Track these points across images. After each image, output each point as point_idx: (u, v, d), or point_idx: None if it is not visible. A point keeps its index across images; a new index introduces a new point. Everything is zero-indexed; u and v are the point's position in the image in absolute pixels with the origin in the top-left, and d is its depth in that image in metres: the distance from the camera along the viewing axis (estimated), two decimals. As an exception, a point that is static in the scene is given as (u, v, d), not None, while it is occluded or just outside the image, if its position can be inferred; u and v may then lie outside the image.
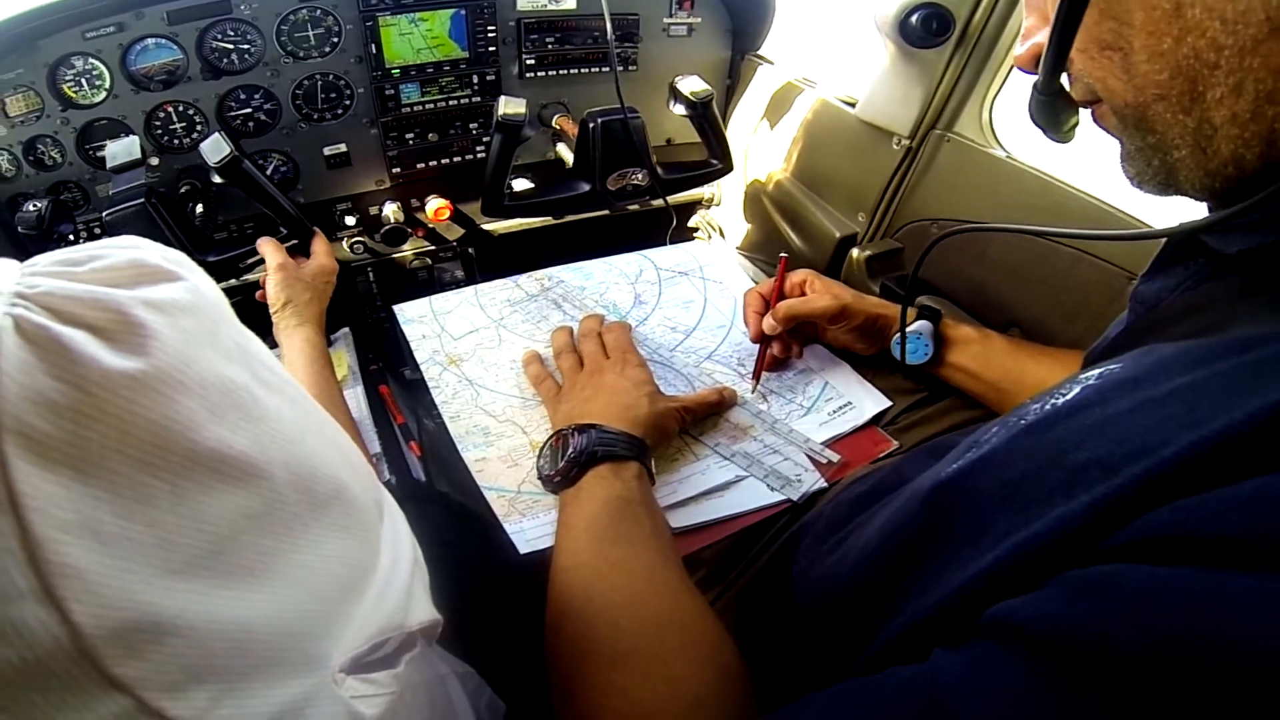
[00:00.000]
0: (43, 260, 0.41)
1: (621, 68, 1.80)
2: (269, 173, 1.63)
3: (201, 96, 1.50)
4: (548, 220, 1.87)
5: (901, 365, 1.23)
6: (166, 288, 0.43)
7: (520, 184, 1.74)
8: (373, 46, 1.56)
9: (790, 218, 1.88)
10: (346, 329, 1.77)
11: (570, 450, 1.02)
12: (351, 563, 0.53)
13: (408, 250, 1.90)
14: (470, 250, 1.96)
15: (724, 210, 2.20)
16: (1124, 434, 0.50)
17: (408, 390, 1.80)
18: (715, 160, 1.74)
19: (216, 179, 1.38)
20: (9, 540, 0.33)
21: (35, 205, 1.39)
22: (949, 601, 0.56)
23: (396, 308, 1.43)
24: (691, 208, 2.23)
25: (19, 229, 1.38)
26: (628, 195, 1.67)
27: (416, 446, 1.61)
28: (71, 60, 1.39)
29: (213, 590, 0.40)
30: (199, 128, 1.53)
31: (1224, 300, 0.63)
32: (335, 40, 1.55)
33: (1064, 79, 0.66)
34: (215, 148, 1.33)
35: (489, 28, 1.64)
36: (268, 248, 1.43)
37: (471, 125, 1.77)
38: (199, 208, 1.52)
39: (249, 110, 1.56)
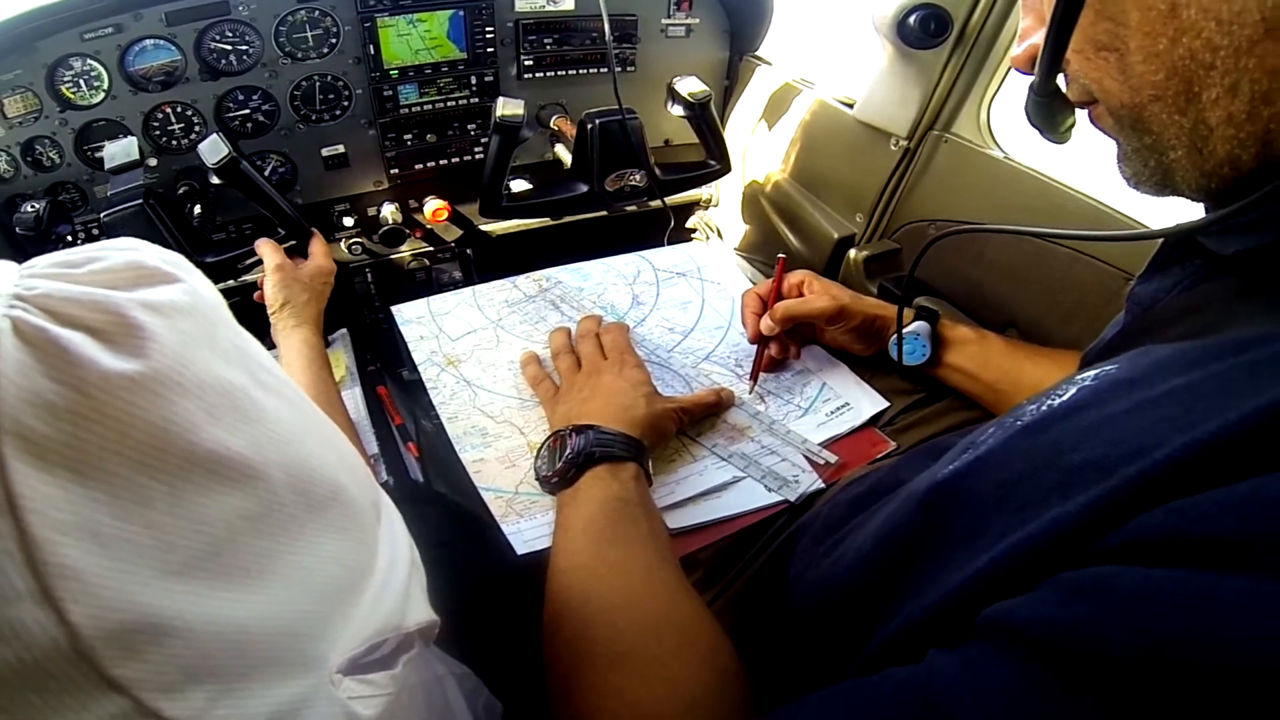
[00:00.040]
0: (41, 262, 0.41)
1: (620, 69, 1.80)
2: (267, 174, 1.63)
3: (200, 97, 1.50)
4: (546, 221, 1.86)
5: (899, 366, 1.23)
6: (165, 290, 0.43)
7: (518, 185, 1.74)
8: (371, 47, 1.56)
9: (788, 218, 1.88)
10: (344, 330, 1.77)
11: (568, 451, 1.02)
12: (349, 564, 0.54)
13: (406, 251, 1.90)
14: (468, 251, 1.96)
15: (722, 211, 2.20)
16: (1119, 435, 0.50)
17: (405, 391, 1.80)
18: (713, 161, 1.74)
19: (215, 180, 1.37)
20: (7, 542, 0.33)
21: (33, 206, 1.39)
22: (945, 602, 0.56)
23: (394, 308, 1.43)
24: (689, 209, 2.23)
25: (17, 230, 1.38)
26: (625, 196, 1.67)
27: (414, 447, 1.61)
28: (70, 61, 1.38)
29: (210, 591, 0.40)
30: (197, 129, 1.53)
31: (1220, 301, 0.63)
32: (333, 41, 1.55)
33: (1060, 80, 0.66)
34: (213, 149, 1.33)
35: (487, 29, 1.64)
36: (266, 248, 1.43)
37: (470, 126, 1.77)
38: (197, 209, 1.51)
39: (247, 111, 1.55)
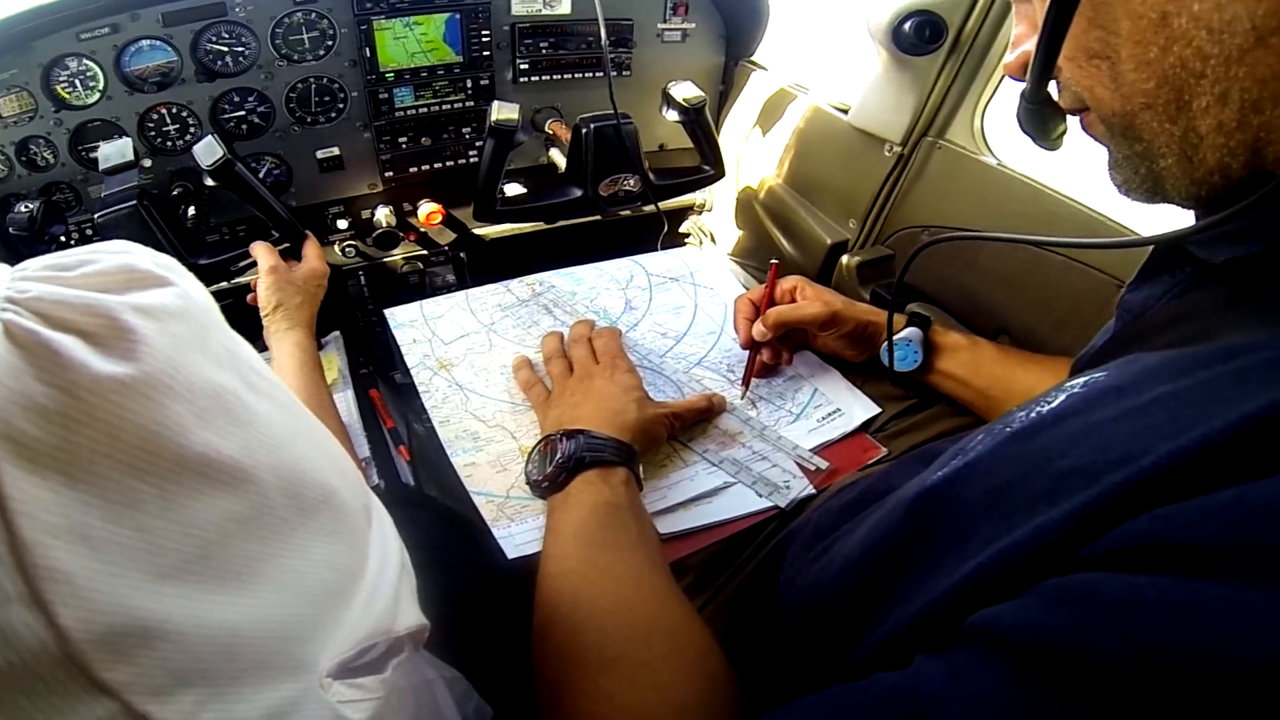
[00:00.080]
0: (33, 265, 0.41)
1: (615, 73, 1.79)
2: (262, 176, 1.63)
3: (195, 99, 1.50)
4: (539, 225, 1.86)
5: (891, 372, 1.23)
6: (156, 293, 0.43)
7: (512, 189, 1.74)
8: (367, 50, 1.56)
9: (782, 224, 1.88)
10: (337, 333, 1.77)
11: (558, 455, 1.02)
12: (339, 567, 0.54)
13: (399, 254, 1.90)
14: (462, 255, 1.96)
15: (716, 216, 2.20)
16: (1106, 442, 0.50)
17: (398, 394, 1.80)
18: (707, 166, 1.74)
19: (209, 181, 1.37)
20: None
21: (27, 206, 1.39)
22: (932, 608, 0.56)
23: (387, 312, 1.43)
24: (683, 213, 2.23)
25: (10, 230, 1.38)
26: (619, 201, 1.67)
27: (406, 451, 1.61)
28: (65, 61, 1.38)
29: (200, 595, 0.40)
30: (192, 130, 1.53)
31: (1210, 309, 0.63)
32: (329, 44, 1.55)
33: (1052, 87, 0.66)
34: (208, 150, 1.33)
35: (483, 32, 1.64)
36: (260, 250, 1.43)
37: (464, 130, 1.77)
38: (191, 210, 1.52)
39: (242, 113, 1.55)
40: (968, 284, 1.47)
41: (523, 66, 1.73)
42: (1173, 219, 0.65)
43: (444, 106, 1.71)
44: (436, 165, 1.79)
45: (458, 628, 0.81)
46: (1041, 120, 0.70)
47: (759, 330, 1.28)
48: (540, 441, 1.08)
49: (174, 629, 0.38)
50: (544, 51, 1.74)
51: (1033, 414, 0.60)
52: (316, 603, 0.50)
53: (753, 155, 1.99)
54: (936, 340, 1.25)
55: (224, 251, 1.48)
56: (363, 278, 1.89)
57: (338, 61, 1.57)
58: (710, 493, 1.14)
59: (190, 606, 0.40)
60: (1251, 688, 0.36)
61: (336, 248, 1.79)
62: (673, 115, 1.67)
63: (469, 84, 1.70)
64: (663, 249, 1.67)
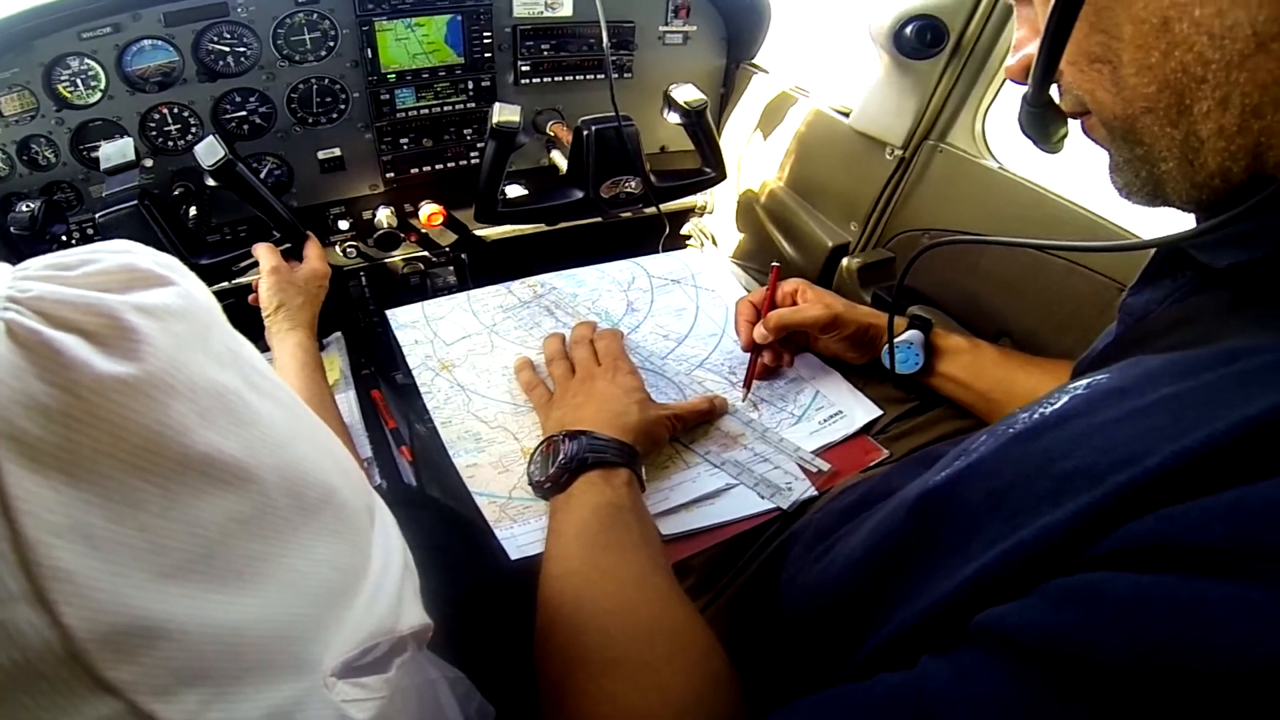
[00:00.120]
0: (34, 264, 0.41)
1: (616, 75, 1.80)
2: (263, 176, 1.63)
3: (197, 99, 1.50)
4: (541, 227, 1.86)
5: (892, 374, 1.23)
6: (158, 293, 0.43)
7: (514, 190, 1.74)
8: (368, 51, 1.56)
9: (783, 226, 1.88)
10: (339, 333, 1.77)
11: (561, 456, 1.02)
12: (342, 567, 0.54)
13: (400, 255, 1.90)
14: (463, 256, 1.96)
15: (717, 218, 2.20)
16: (1110, 443, 0.50)
17: (400, 395, 1.80)
18: (709, 168, 1.74)
19: (210, 182, 1.37)
20: (0, 543, 0.33)
21: (28, 205, 1.39)
22: (936, 608, 0.56)
23: (389, 313, 1.43)
24: (684, 216, 2.23)
25: (11, 229, 1.38)
26: (621, 203, 1.67)
27: (408, 451, 1.61)
28: (67, 60, 1.38)
29: (203, 594, 0.40)
30: (194, 130, 1.53)
31: (1212, 313, 0.63)
32: (331, 44, 1.55)
33: (1054, 91, 0.66)
34: (210, 150, 1.33)
35: (485, 34, 1.64)
36: (262, 251, 1.43)
37: (466, 131, 1.77)
38: (192, 210, 1.52)
39: (244, 113, 1.55)
40: (969, 287, 1.47)
41: (524, 68, 1.73)
42: (1173, 223, 0.65)
43: (445, 108, 1.71)
44: (438, 166, 1.79)
45: (460, 628, 0.81)
46: (1043, 123, 0.70)
47: (760, 333, 1.28)
48: (543, 442, 1.08)
49: (177, 628, 0.38)
50: (545, 53, 1.74)
51: (1035, 415, 0.60)
52: (319, 602, 0.50)
53: (754, 158, 2.00)
54: (938, 343, 1.25)
55: (225, 252, 1.48)
56: (364, 278, 1.89)
57: (339, 62, 1.57)
58: (712, 494, 1.14)
59: (193, 606, 0.40)
60: (1256, 687, 0.36)
61: (338, 248, 1.79)
62: (674, 118, 1.67)
63: (470, 85, 1.70)
64: (664, 251, 1.67)
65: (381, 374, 1.86)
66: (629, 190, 1.65)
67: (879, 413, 1.28)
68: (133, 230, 1.30)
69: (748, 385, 1.32)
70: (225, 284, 1.61)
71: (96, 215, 1.32)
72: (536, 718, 0.79)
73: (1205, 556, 0.41)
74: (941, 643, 0.53)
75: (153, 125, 1.50)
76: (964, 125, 1.49)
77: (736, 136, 2.04)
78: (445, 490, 1.37)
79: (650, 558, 0.91)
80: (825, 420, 1.27)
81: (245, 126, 1.57)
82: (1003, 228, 1.40)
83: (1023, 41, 0.69)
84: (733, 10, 1.89)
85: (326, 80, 1.58)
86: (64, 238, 1.51)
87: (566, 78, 1.79)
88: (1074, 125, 0.69)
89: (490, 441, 1.21)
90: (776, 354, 1.32)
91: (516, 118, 1.46)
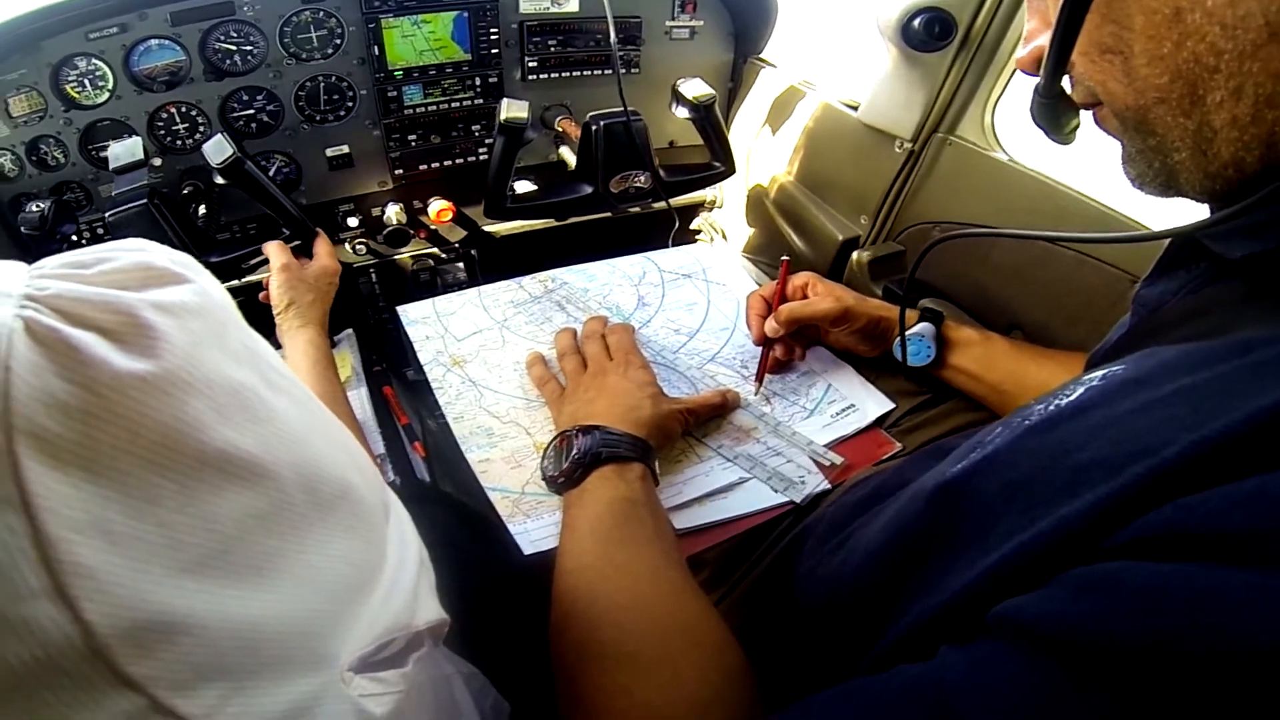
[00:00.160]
0: (51, 263, 0.42)
1: (624, 70, 1.80)
2: (271, 174, 1.63)
3: (204, 98, 1.51)
4: (550, 222, 1.86)
5: (904, 367, 1.23)
6: (174, 290, 0.43)
7: (523, 186, 1.74)
8: (375, 48, 1.57)
9: (792, 220, 1.88)
10: (350, 330, 1.77)
11: (574, 451, 1.02)
12: (358, 563, 0.54)
13: (410, 252, 1.90)
14: (473, 252, 1.96)
15: (726, 213, 2.20)
16: (1127, 434, 0.50)
17: (411, 391, 1.80)
18: (718, 163, 1.74)
19: (219, 180, 1.38)
20: (21, 540, 0.33)
21: (38, 205, 1.39)
22: (954, 600, 0.56)
23: (400, 309, 1.43)
24: (694, 210, 2.23)
25: (22, 229, 1.39)
26: (630, 198, 1.67)
27: (420, 447, 1.61)
28: (74, 61, 1.39)
29: (222, 589, 0.41)
30: (201, 129, 1.53)
31: (1226, 304, 0.63)
32: (338, 42, 1.55)
33: (1065, 82, 0.66)
34: (218, 149, 1.34)
35: (491, 30, 1.64)
36: (273, 249, 1.44)
37: (474, 127, 1.78)
38: (201, 208, 1.52)
39: (251, 111, 1.56)
40: (980, 279, 1.47)
41: (531, 64, 1.74)
42: (1186, 214, 0.65)
43: (453, 104, 1.71)
44: (446, 163, 1.80)
45: (474, 623, 0.81)
46: (1055, 115, 0.70)
47: (771, 326, 1.28)
48: (556, 437, 1.08)
49: (196, 623, 0.38)
50: (552, 49, 1.74)
51: (1051, 407, 0.60)
52: (335, 598, 0.50)
53: (763, 152, 1.99)
54: (949, 335, 1.25)
55: (234, 250, 1.49)
56: (374, 275, 1.89)
57: (346, 60, 1.58)
58: (725, 488, 1.14)
59: (212, 601, 0.40)
60: (1276, 674, 0.36)
61: (347, 245, 1.80)
62: (682, 112, 1.67)
63: (478, 82, 1.71)
64: (674, 246, 1.67)
65: (393, 370, 1.86)
66: (638, 185, 1.64)
67: (891, 406, 1.28)
68: (142, 229, 1.31)
69: (760, 379, 1.32)
70: (235, 282, 1.61)
71: (106, 214, 1.32)
72: (550, 713, 0.79)
73: (1224, 544, 0.41)
74: (960, 634, 0.53)
75: (161, 124, 1.50)
76: (973, 118, 1.49)
77: (745, 131, 2.04)
78: (458, 486, 1.37)
79: (664, 552, 0.91)
80: (838, 414, 1.27)
81: (253, 125, 1.57)
82: (1013, 220, 1.39)
83: (1034, 33, 0.69)
84: (739, 4, 1.89)
85: (334, 78, 1.58)
86: (74, 237, 1.51)
87: (574, 73, 1.79)
88: (1085, 116, 0.69)
89: (503, 437, 1.21)
90: (788, 347, 1.32)
91: (524, 113, 1.46)
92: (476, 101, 1.73)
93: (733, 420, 1.25)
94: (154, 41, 1.42)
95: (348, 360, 1.67)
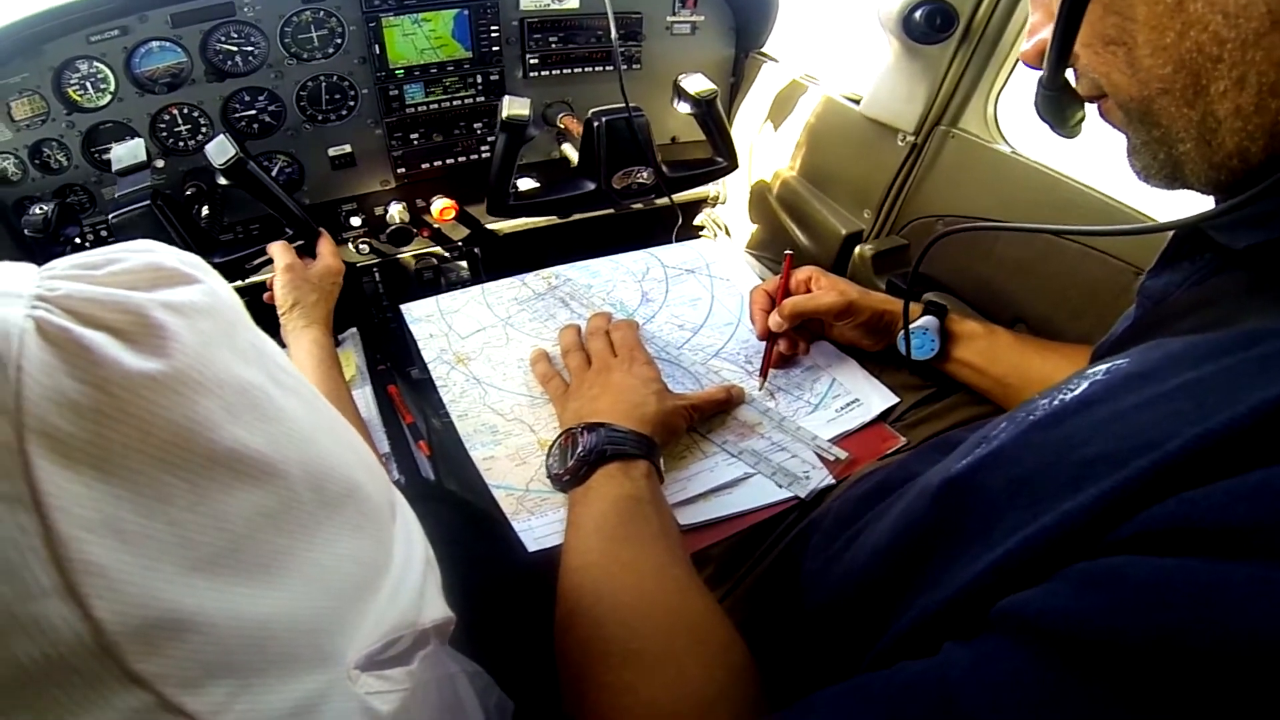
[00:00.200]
0: (61, 264, 0.42)
1: (625, 66, 1.80)
2: (274, 174, 1.63)
3: (206, 99, 1.51)
4: (553, 219, 1.86)
5: (908, 361, 1.23)
6: (184, 290, 0.43)
7: (525, 183, 1.74)
8: (376, 47, 1.57)
9: (796, 215, 1.88)
10: (354, 329, 1.77)
11: (579, 449, 1.02)
12: (365, 561, 0.54)
13: (413, 250, 1.91)
14: (476, 250, 1.96)
15: (729, 208, 2.20)
16: (1131, 429, 0.50)
17: (416, 390, 1.80)
18: (720, 158, 1.74)
19: (222, 181, 1.38)
20: (33, 538, 0.33)
21: (41, 208, 1.40)
22: (958, 596, 0.56)
23: (404, 307, 1.43)
24: (697, 206, 2.23)
25: (25, 232, 1.39)
26: (633, 194, 1.67)
27: (425, 446, 1.61)
28: (76, 64, 1.39)
29: (231, 587, 0.41)
30: (204, 130, 1.53)
31: (1231, 295, 0.63)
32: (339, 41, 1.55)
33: (1070, 74, 0.66)
34: (220, 149, 1.34)
35: (492, 28, 1.64)
36: (277, 249, 1.44)
37: (476, 125, 1.78)
38: (204, 209, 1.52)
39: (253, 112, 1.56)
40: (983, 273, 1.47)
41: (532, 61, 1.73)
42: (1190, 205, 0.65)
43: (455, 102, 1.71)
44: (449, 161, 1.79)
45: (478, 621, 0.81)
46: (1059, 107, 0.70)
47: (775, 321, 1.28)
48: (560, 435, 1.08)
49: (205, 621, 0.39)
50: (553, 46, 1.74)
51: (1055, 402, 0.60)
52: (343, 596, 0.50)
53: (765, 147, 1.99)
54: (953, 328, 1.25)
55: (238, 250, 1.49)
56: (377, 274, 1.89)
57: (347, 59, 1.58)
58: (730, 484, 1.14)
59: (221, 599, 0.40)
60: (1277, 667, 0.36)
61: (351, 245, 1.80)
62: (684, 108, 1.67)
63: (479, 79, 1.71)
64: (677, 241, 1.67)
65: (397, 369, 1.86)
66: (641, 181, 1.64)
67: (896, 400, 1.28)
68: (146, 230, 1.31)
69: (764, 374, 1.32)
70: (239, 282, 1.61)
71: (109, 216, 1.33)
72: (555, 711, 0.79)
73: (1228, 538, 0.41)
74: (964, 630, 0.53)
75: (163, 126, 1.50)
76: (975, 110, 1.48)
77: (747, 126, 2.04)
78: (463, 484, 1.37)
79: (669, 549, 0.91)
80: (842, 408, 1.27)
81: (255, 125, 1.57)
82: (1016, 212, 1.39)
83: (1037, 26, 0.69)
84: (740, -1, 1.89)
85: (335, 77, 1.58)
86: (77, 240, 1.52)
87: (575, 70, 1.79)
88: (1090, 108, 0.69)
89: (507, 434, 1.21)
90: (792, 342, 1.32)
91: (526, 111, 1.46)
92: (478, 99, 1.73)
93: (737, 416, 1.26)
94: (155, 43, 1.42)
95: (352, 359, 1.68)
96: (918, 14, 1.36)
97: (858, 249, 1.66)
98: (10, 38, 1.32)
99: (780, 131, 1.92)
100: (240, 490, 0.42)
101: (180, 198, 1.51)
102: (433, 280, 1.93)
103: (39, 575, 0.33)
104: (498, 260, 1.97)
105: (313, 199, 1.71)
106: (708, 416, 1.23)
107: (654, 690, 0.73)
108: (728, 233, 2.20)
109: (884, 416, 1.26)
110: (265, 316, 1.40)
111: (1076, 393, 0.59)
